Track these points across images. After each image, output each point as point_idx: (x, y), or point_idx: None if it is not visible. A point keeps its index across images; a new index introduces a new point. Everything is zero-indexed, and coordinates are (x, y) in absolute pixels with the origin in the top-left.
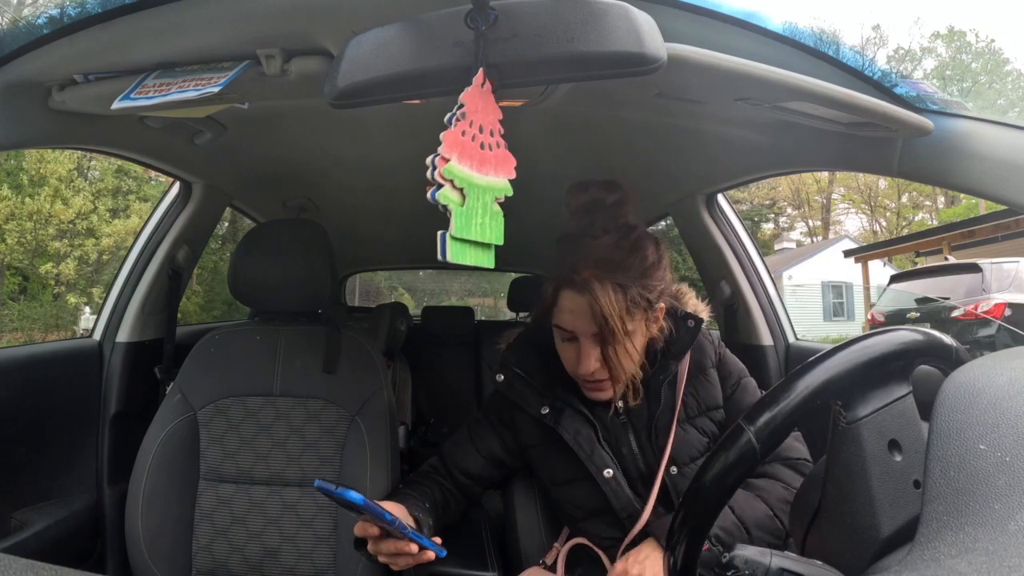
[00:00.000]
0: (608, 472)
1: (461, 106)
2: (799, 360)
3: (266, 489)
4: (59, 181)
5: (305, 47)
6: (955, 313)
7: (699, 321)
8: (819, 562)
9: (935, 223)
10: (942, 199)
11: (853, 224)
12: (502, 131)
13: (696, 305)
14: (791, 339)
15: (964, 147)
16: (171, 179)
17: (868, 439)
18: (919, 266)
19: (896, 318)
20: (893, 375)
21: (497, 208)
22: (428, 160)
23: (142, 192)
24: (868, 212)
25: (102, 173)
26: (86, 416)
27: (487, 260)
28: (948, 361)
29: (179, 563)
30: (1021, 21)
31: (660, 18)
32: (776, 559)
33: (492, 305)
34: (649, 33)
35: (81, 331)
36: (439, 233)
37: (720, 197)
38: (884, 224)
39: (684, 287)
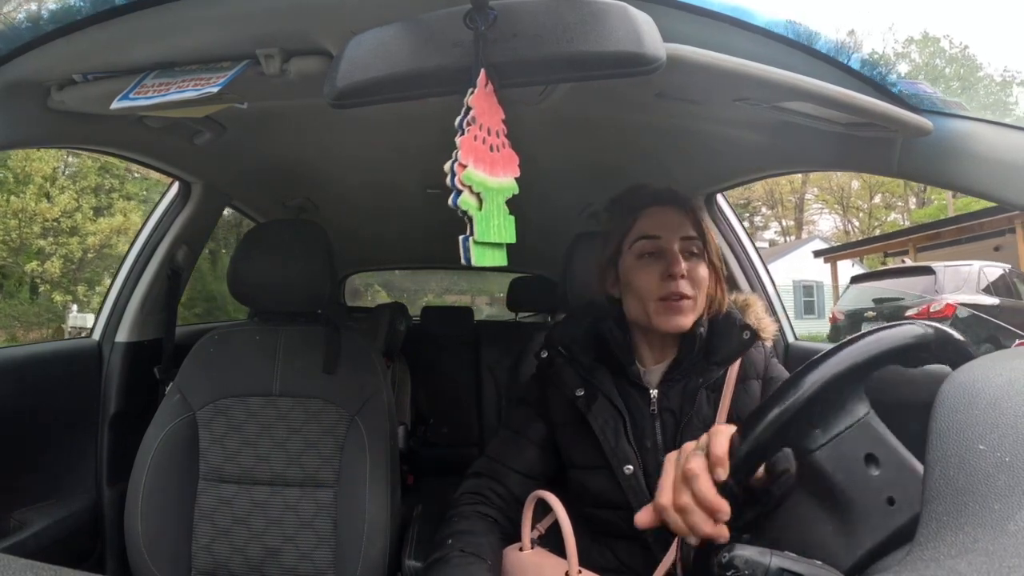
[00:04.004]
0: (629, 468)
1: (470, 110)
2: (799, 361)
3: (267, 489)
4: (44, 179)
5: (304, 47)
6: (908, 312)
7: (754, 335)
8: (819, 562)
9: (907, 223)
10: (914, 200)
11: (827, 224)
12: (505, 131)
13: (761, 319)
14: (791, 339)
15: (963, 147)
16: (169, 178)
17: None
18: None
19: (855, 316)
20: (848, 398)
21: (506, 207)
22: (447, 166)
23: (124, 190)
24: (841, 212)
25: (83, 170)
26: (85, 416)
27: (502, 259)
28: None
29: (179, 563)
30: (994, 28)
31: (659, 18)
32: (776, 559)
33: (469, 303)
34: (648, 33)
35: (69, 328)
36: (460, 239)
37: (719, 197)
38: (857, 224)
39: (754, 298)
